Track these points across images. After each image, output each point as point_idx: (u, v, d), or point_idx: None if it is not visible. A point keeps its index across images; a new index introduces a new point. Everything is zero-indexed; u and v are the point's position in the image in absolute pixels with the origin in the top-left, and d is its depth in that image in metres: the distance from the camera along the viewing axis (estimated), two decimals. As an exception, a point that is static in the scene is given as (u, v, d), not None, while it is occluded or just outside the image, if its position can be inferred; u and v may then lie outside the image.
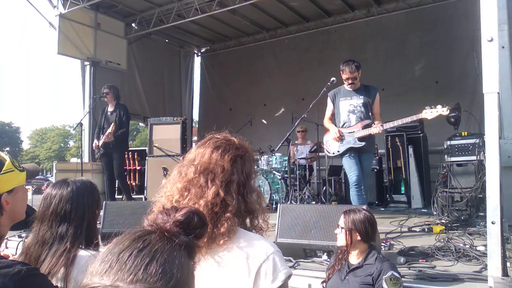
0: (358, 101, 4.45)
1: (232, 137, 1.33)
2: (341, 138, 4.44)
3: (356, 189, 4.27)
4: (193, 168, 1.25)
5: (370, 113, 4.40)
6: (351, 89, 4.51)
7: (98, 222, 3.97)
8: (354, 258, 2.42)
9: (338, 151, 4.50)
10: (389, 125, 4.32)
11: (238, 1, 8.37)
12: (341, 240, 2.44)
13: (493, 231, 2.43)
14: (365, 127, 4.36)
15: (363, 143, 4.35)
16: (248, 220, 1.27)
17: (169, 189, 1.27)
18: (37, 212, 1.62)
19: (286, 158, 6.48)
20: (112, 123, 6.42)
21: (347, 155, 4.43)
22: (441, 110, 4.00)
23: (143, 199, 7.66)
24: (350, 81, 4.45)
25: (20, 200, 1.38)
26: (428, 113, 4.08)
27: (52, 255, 1.52)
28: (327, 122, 4.70)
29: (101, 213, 4.06)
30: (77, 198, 1.62)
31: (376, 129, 4.28)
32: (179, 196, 1.23)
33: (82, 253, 1.55)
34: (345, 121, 4.51)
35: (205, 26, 10.62)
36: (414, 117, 4.24)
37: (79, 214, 1.61)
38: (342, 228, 2.43)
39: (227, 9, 8.71)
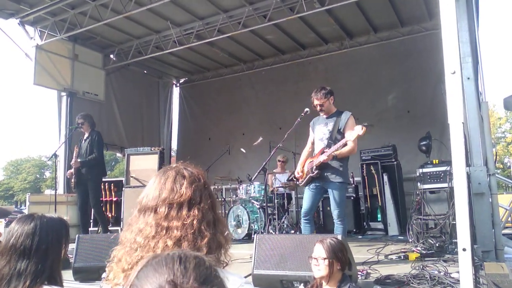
0: (328, 128, 4.48)
1: (188, 166, 1.29)
2: (302, 177, 4.55)
3: (304, 220, 4.45)
4: (154, 201, 1.19)
5: (333, 139, 4.36)
6: (325, 116, 4.55)
7: (70, 256, 3.87)
8: (329, 289, 2.41)
9: (303, 181, 4.59)
10: (330, 151, 4.25)
11: (215, 34, 8.56)
12: (322, 271, 2.38)
13: (465, 258, 2.48)
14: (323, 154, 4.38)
15: (316, 171, 4.34)
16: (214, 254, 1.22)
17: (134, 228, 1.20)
18: None
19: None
20: (75, 147, 6.35)
21: (307, 186, 4.53)
22: (358, 130, 4.04)
23: (120, 231, 7.47)
24: (318, 108, 4.50)
25: None
26: (349, 135, 4.14)
27: None
28: (303, 154, 4.74)
29: (74, 246, 3.95)
30: (39, 233, 1.53)
31: (323, 157, 4.27)
32: (149, 233, 1.17)
33: None
34: (316, 149, 4.59)
35: (183, 57, 10.75)
36: (342, 142, 4.23)
37: (41, 250, 1.52)
38: (325, 258, 2.38)
39: (205, 42, 8.89)
